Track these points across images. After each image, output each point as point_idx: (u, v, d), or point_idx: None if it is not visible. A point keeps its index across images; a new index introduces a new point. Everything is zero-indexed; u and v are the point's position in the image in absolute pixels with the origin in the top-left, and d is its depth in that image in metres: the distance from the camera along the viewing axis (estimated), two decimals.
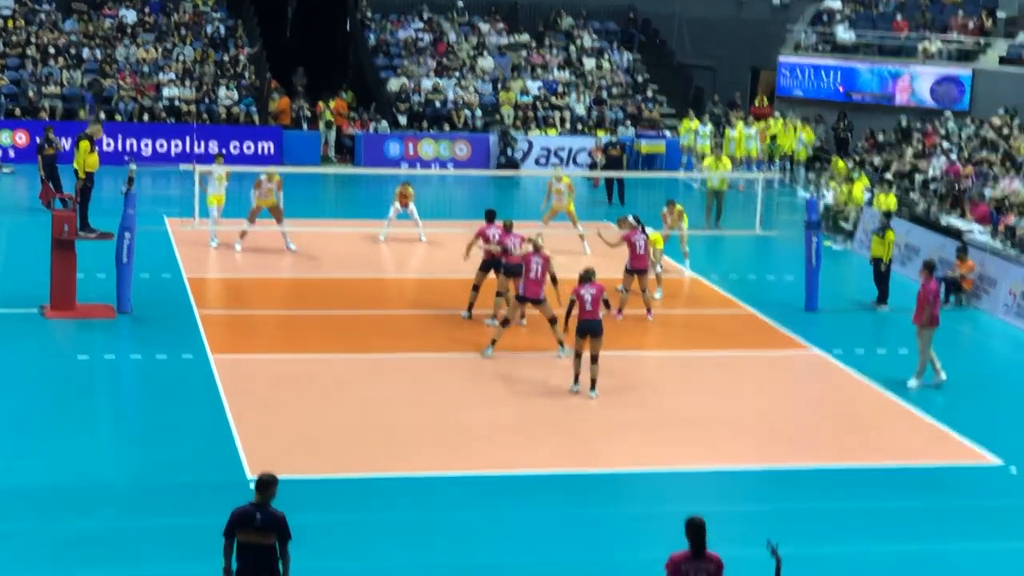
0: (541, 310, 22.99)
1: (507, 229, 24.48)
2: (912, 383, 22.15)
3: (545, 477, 18.09)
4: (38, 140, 33.64)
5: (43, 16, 43.53)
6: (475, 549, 15.85)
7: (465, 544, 15.97)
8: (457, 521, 16.58)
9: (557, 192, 30.44)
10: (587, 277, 21.04)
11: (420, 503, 17.05)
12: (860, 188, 33.97)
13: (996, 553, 16.38)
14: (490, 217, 25.11)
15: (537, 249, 22.85)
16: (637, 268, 25.27)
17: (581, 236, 30.62)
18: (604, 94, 45.00)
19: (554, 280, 22.96)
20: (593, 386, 20.96)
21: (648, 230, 25.84)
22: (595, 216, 34.39)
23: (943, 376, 22.24)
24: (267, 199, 29.09)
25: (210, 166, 29.94)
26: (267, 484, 12.57)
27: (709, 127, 42.07)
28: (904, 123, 40.26)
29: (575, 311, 20.90)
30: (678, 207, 28.80)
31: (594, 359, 20.93)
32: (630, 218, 26.01)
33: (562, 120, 43.67)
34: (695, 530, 12.12)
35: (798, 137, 41.23)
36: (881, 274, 27.48)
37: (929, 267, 22.89)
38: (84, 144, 24.20)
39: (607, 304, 21.16)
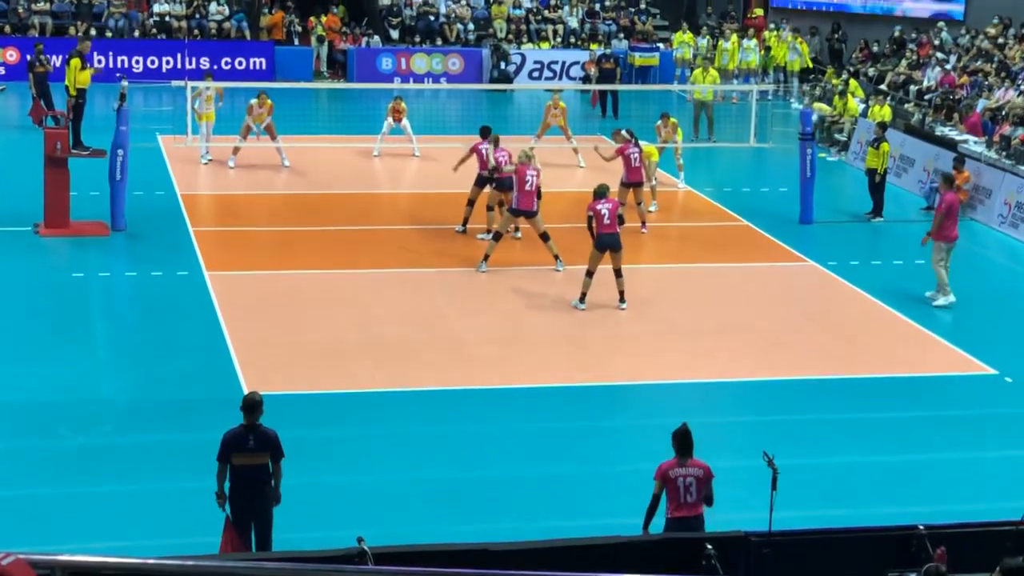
0: (532, 224, 22.95)
1: (495, 144, 24.43)
2: (936, 299, 21.95)
3: (540, 390, 18.16)
4: (29, 58, 33.42)
5: None
6: (472, 462, 15.94)
7: (463, 458, 16.06)
8: (455, 435, 16.65)
9: (553, 116, 30.36)
10: (601, 192, 21.02)
11: (416, 417, 17.12)
12: (854, 100, 33.86)
13: (990, 461, 16.50)
14: (484, 133, 25.01)
15: (529, 159, 22.81)
16: (633, 181, 25.22)
17: (575, 150, 30.57)
18: (597, 7, 44.71)
19: (538, 195, 22.90)
20: (622, 298, 21.10)
21: (642, 143, 25.77)
22: (589, 130, 34.28)
23: (939, 300, 22.04)
24: (259, 120, 29.03)
25: (200, 83, 29.78)
26: (255, 405, 12.56)
27: (706, 40, 41.82)
28: (897, 33, 40.01)
29: (595, 225, 20.90)
30: (672, 120, 28.73)
31: (618, 273, 21.01)
32: (623, 131, 25.92)
33: (555, 33, 43.41)
34: (680, 436, 12.30)
35: (791, 47, 40.93)
36: (876, 185, 27.45)
37: (947, 180, 22.68)
38: (75, 61, 24.06)
39: (621, 219, 21.16)
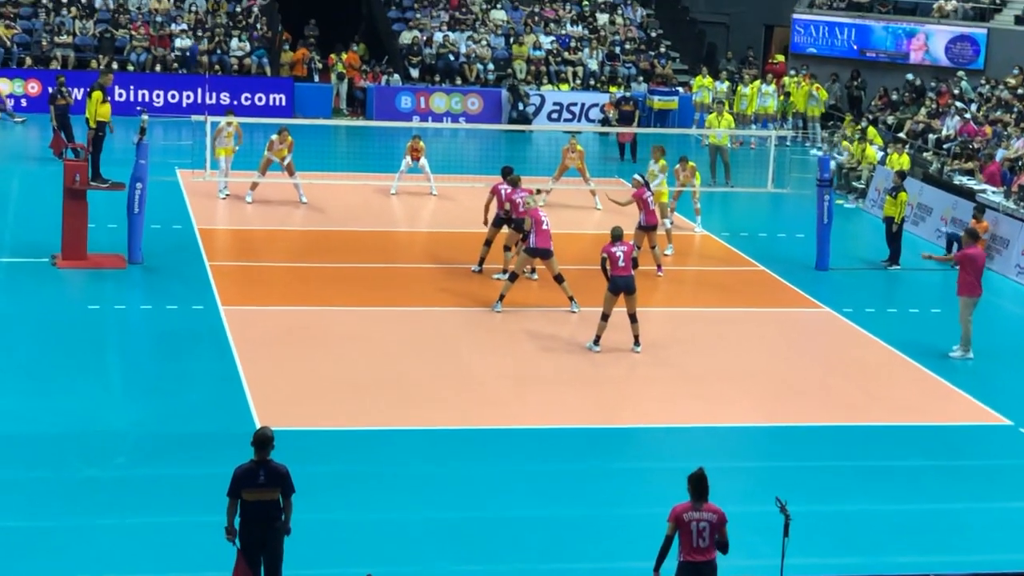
0: (548, 265, 22.98)
1: (514, 185, 24.47)
2: (955, 351, 21.81)
3: (552, 431, 18.12)
4: (51, 90, 33.59)
5: None
6: (483, 502, 15.89)
7: (473, 497, 16.01)
8: (465, 474, 16.61)
9: (571, 159, 30.39)
10: (617, 235, 21.04)
11: (429, 456, 17.08)
12: (872, 147, 33.88)
13: (1004, 512, 16.39)
14: (505, 174, 25.02)
15: (536, 204, 22.97)
16: (650, 225, 25.24)
17: (592, 192, 30.64)
18: (617, 49, 44.83)
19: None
20: (637, 341, 21.12)
21: (653, 186, 25.94)
22: (607, 173, 34.37)
23: (957, 354, 21.82)
24: (279, 155, 29.16)
25: (222, 118, 29.88)
26: (266, 441, 12.52)
27: (725, 84, 41.89)
28: (918, 82, 40.04)
29: (609, 268, 20.92)
30: (691, 164, 28.74)
31: (632, 317, 21.03)
32: (637, 176, 25.98)
33: (575, 75, 43.52)
34: (696, 481, 12.25)
35: (810, 93, 40.97)
36: (893, 234, 27.40)
37: (971, 234, 22.59)
38: (96, 94, 24.17)
39: (635, 263, 21.18)
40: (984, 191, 30.02)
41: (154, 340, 21.19)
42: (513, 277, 23.04)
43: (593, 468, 16.98)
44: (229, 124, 29.46)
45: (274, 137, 29.33)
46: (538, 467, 16.92)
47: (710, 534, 12.22)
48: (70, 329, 21.08)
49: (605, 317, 21.03)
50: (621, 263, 20.82)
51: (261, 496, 12.47)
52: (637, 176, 25.94)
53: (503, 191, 24.61)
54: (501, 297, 22.90)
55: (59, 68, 38.98)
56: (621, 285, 20.85)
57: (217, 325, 21.52)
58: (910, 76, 40.40)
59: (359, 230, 28.29)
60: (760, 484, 16.56)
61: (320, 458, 16.59)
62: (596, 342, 21.11)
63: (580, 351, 21.13)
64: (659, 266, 25.57)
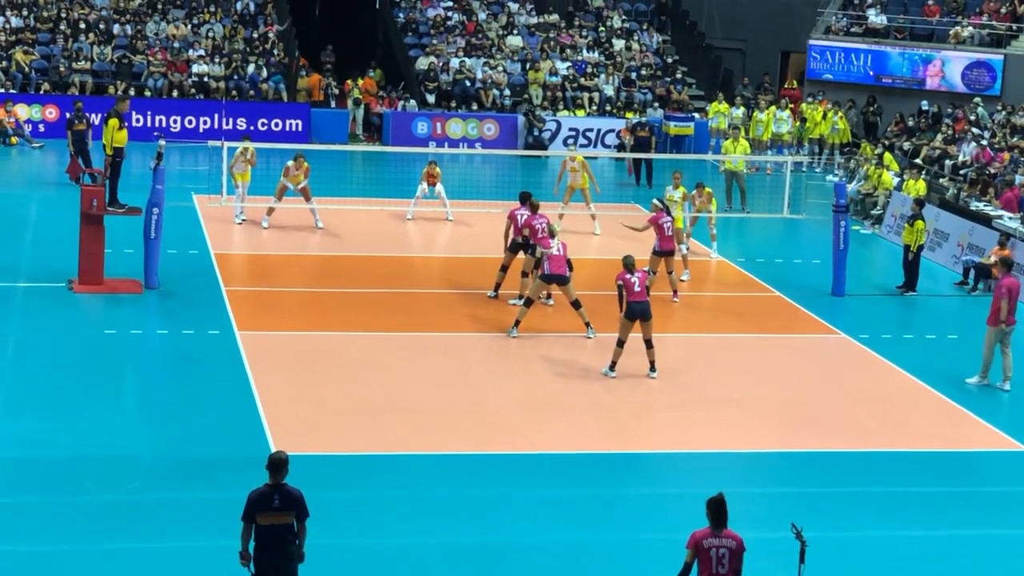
0: (564, 291, 22.99)
1: (533, 210, 24.48)
2: (973, 378, 21.73)
3: (568, 456, 18.10)
4: (68, 115, 33.73)
5: None
6: (499, 528, 15.87)
7: (489, 523, 15.99)
8: (481, 500, 16.59)
9: (572, 171, 30.39)
10: (630, 264, 21.03)
11: (444, 481, 17.07)
12: (888, 173, 33.87)
13: (1021, 540, 16.32)
14: (523, 199, 25.02)
15: (553, 235, 22.98)
16: (665, 250, 25.24)
17: (592, 216, 30.65)
18: (633, 75, 44.89)
19: (569, 265, 22.98)
20: (652, 367, 21.12)
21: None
22: (623, 198, 34.39)
23: (1006, 387, 21.66)
24: (295, 181, 29.23)
25: (238, 143, 29.94)
26: (280, 465, 12.51)
27: (741, 110, 41.92)
28: (935, 108, 40.02)
29: (625, 295, 20.92)
30: (707, 189, 28.74)
31: (648, 343, 21.03)
32: (656, 201, 25.98)
33: (591, 101, 43.59)
34: (715, 506, 12.16)
35: (832, 123, 40.97)
36: (910, 260, 27.32)
37: (1006, 264, 22.51)
38: (113, 121, 24.28)
39: (647, 291, 21.18)
40: (1001, 217, 29.98)
41: (170, 365, 21.22)
42: (529, 303, 23.05)
43: (609, 494, 16.95)
44: (246, 150, 29.51)
45: (290, 163, 29.41)
46: (554, 492, 16.89)
47: (729, 561, 12.12)
48: (87, 354, 21.12)
49: (621, 343, 21.03)
50: (636, 288, 20.83)
51: (276, 520, 12.44)
52: (656, 201, 25.95)
53: (519, 216, 24.60)
54: (517, 323, 22.91)
55: (77, 94, 39.14)
56: (637, 311, 20.84)
57: (233, 350, 21.55)
58: (925, 104, 40.38)
59: (375, 255, 28.32)
60: (776, 510, 16.52)
61: (335, 483, 16.58)
62: (612, 368, 21.10)
63: (596, 377, 21.11)
64: (675, 292, 25.55)
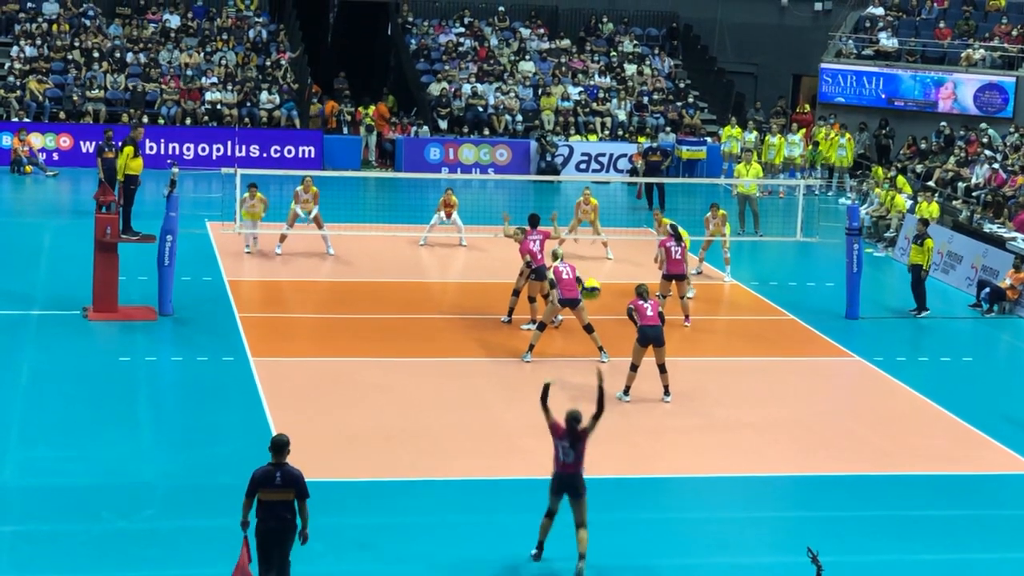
0: (577, 315, 23.00)
1: (533, 225, 24.61)
2: None
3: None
4: (99, 143, 33.77)
5: (87, 21, 43.80)
6: (512, 552, 15.83)
7: (502, 547, 15.95)
8: (496, 525, 16.58)
9: (584, 212, 30.47)
10: (642, 292, 21.03)
11: (458, 506, 17.07)
12: (901, 196, 33.85)
13: None
14: (533, 223, 25.05)
15: (556, 258, 23.03)
16: (673, 273, 25.20)
17: (604, 243, 30.73)
18: (645, 100, 44.95)
19: (581, 283, 23.04)
20: (666, 391, 21.13)
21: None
22: (635, 223, 34.39)
23: None
24: (306, 207, 29.26)
25: (246, 194, 29.60)
26: (282, 446, 13.76)
27: (753, 134, 41.92)
28: (948, 130, 40.02)
29: (637, 319, 20.92)
30: (721, 212, 28.73)
31: (662, 368, 21.03)
32: (668, 226, 25.91)
33: (603, 126, 43.64)
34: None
35: (839, 145, 40.97)
36: (916, 281, 27.22)
37: None
38: (128, 149, 24.40)
39: (661, 317, 21.18)
40: (1015, 239, 29.95)
41: (184, 392, 21.25)
42: (542, 327, 23.06)
43: (622, 518, 16.92)
44: (252, 196, 29.20)
45: (298, 188, 29.43)
46: (568, 517, 16.85)
47: None
48: (101, 381, 21.16)
49: (634, 368, 21.02)
50: (649, 312, 20.83)
51: (277, 496, 13.59)
52: (668, 225, 25.92)
53: (532, 242, 24.56)
54: (531, 347, 22.91)
55: (91, 123, 39.28)
56: (650, 336, 20.84)
57: (247, 376, 21.57)
58: (942, 125, 40.36)
59: (388, 281, 28.35)
60: (791, 534, 16.48)
61: (349, 510, 16.58)
62: (626, 392, 21.09)
63: (610, 401, 21.05)
64: (687, 316, 25.53)
